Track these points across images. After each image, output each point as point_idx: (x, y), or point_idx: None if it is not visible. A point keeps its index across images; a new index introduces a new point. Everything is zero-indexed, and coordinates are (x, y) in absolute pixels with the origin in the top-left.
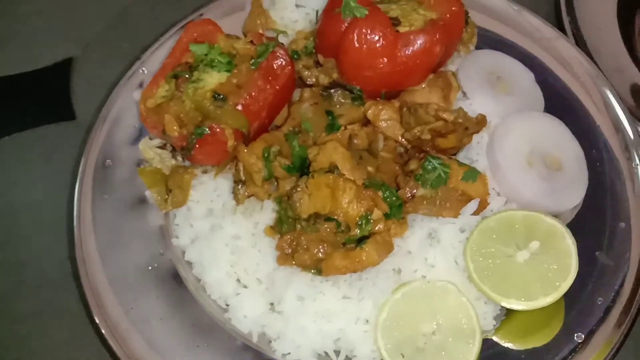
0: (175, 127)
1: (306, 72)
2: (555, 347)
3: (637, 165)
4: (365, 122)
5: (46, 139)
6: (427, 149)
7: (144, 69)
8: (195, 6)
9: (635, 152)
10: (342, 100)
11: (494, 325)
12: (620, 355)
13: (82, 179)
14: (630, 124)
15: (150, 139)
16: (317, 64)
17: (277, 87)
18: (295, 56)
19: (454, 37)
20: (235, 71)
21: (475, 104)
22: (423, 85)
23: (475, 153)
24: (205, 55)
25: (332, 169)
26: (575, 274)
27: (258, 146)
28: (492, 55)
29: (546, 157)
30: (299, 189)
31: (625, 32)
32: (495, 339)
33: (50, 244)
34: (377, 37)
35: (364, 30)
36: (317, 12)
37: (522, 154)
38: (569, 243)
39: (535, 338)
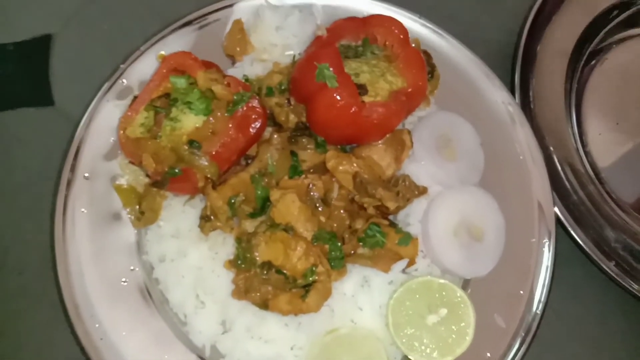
0: (152, 164)
1: (278, 110)
2: None
3: (545, 242)
4: (324, 168)
5: (24, 122)
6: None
7: (124, 80)
8: None
9: (547, 231)
10: (308, 146)
11: None
12: None
13: (64, 192)
14: (547, 206)
15: None
16: (289, 101)
17: (249, 137)
18: (270, 93)
19: (415, 105)
20: (211, 118)
21: (421, 167)
22: (380, 144)
23: (413, 218)
24: (184, 90)
25: (287, 229)
26: (470, 343)
27: (225, 193)
28: (446, 117)
29: (471, 228)
30: (258, 236)
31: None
32: None
33: (31, 231)
34: (344, 106)
35: (333, 98)
36: (293, 56)
37: (451, 225)
38: (471, 315)
39: None
